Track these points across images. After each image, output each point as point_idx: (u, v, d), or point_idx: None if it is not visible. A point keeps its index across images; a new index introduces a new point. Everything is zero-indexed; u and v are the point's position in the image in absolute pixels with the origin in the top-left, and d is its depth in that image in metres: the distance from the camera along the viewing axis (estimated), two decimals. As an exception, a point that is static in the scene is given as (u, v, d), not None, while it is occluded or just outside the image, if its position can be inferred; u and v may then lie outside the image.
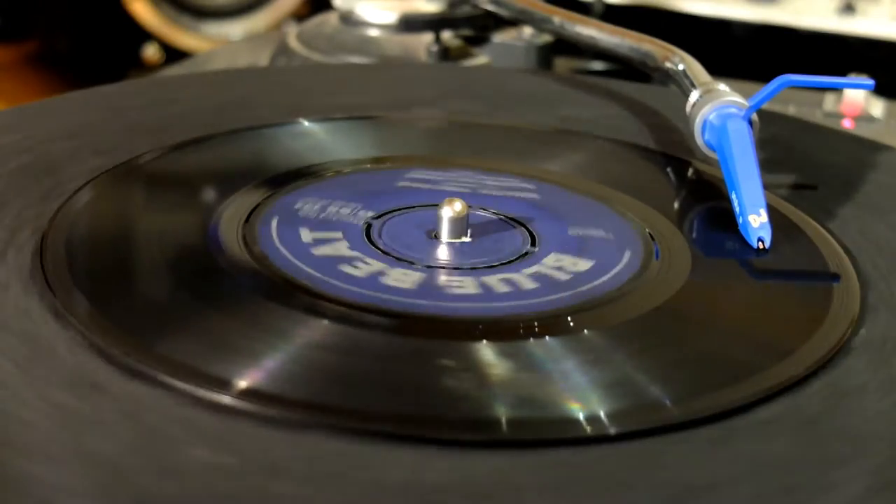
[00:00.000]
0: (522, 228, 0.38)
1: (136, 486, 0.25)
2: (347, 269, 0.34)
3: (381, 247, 0.36)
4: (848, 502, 0.26)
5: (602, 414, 0.28)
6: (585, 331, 0.32)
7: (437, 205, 0.37)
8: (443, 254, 0.36)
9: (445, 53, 0.62)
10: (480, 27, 0.65)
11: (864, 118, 0.58)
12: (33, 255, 0.33)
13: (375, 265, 0.35)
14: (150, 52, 0.96)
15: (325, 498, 0.25)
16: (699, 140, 0.43)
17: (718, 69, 0.49)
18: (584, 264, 0.36)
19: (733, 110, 0.41)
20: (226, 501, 0.24)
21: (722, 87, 0.43)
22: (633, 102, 0.51)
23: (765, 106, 0.41)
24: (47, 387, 0.28)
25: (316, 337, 0.31)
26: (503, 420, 0.28)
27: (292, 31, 0.66)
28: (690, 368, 0.31)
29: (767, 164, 0.43)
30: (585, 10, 0.70)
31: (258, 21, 0.97)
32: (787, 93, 0.42)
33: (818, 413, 0.29)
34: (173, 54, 0.94)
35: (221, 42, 0.94)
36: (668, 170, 0.44)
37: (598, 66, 0.69)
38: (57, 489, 0.24)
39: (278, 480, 0.25)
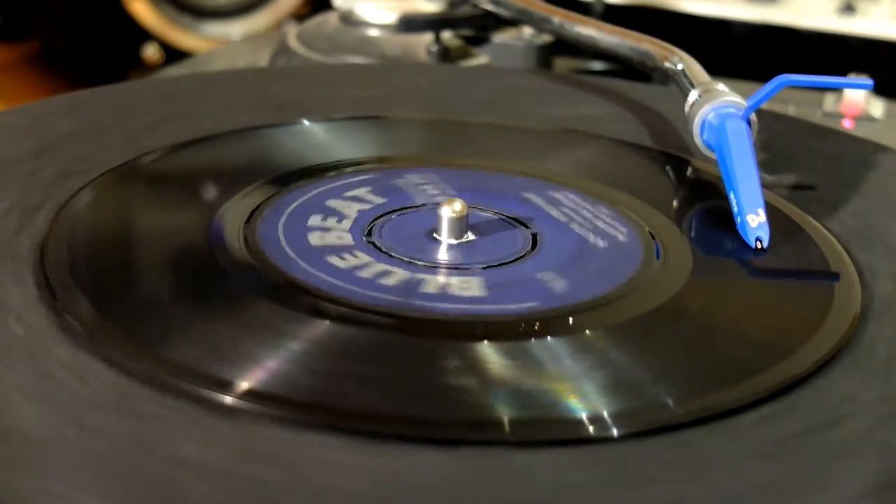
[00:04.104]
0: (523, 228, 0.38)
1: (139, 486, 0.25)
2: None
3: (382, 247, 0.36)
4: (849, 501, 0.26)
5: (603, 414, 0.28)
6: (587, 331, 0.32)
7: (436, 205, 0.37)
8: (443, 254, 0.36)
9: (445, 53, 0.62)
10: (480, 27, 0.65)
11: (864, 118, 0.59)
12: (34, 256, 0.34)
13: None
14: (150, 52, 0.96)
15: (325, 498, 0.25)
16: (698, 140, 0.43)
17: (718, 69, 0.49)
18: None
19: (732, 110, 0.42)
20: (227, 502, 0.25)
21: (721, 86, 0.43)
22: (633, 102, 0.51)
23: (764, 106, 0.42)
24: (49, 388, 0.28)
25: (317, 337, 0.31)
26: (504, 421, 0.28)
27: (292, 31, 0.66)
28: (692, 368, 0.31)
29: (766, 165, 0.43)
30: (585, 10, 0.70)
31: (258, 21, 0.98)
32: (787, 93, 0.42)
33: (820, 413, 0.29)
34: (173, 54, 0.94)
35: (221, 42, 0.94)
36: (668, 169, 0.45)
37: (598, 66, 0.69)
38: (59, 488, 0.24)
39: (279, 481, 0.25)
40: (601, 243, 0.37)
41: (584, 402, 0.29)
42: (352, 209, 0.38)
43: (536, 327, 0.32)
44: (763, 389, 0.29)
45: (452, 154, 0.45)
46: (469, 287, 0.34)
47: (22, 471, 0.25)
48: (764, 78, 0.41)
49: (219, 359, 0.29)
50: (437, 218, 0.36)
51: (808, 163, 0.46)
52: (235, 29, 0.97)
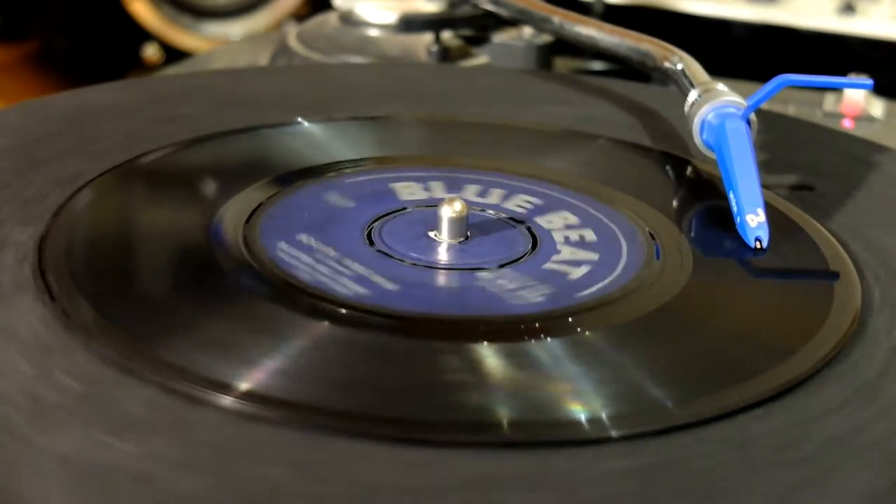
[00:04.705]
0: (523, 228, 0.38)
1: (137, 486, 0.25)
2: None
3: (382, 247, 0.36)
4: (852, 502, 0.26)
5: (603, 415, 0.28)
6: (587, 332, 0.32)
7: (436, 205, 0.37)
8: (443, 254, 0.36)
9: (445, 53, 0.62)
10: (480, 27, 0.65)
11: (864, 118, 0.59)
12: (33, 256, 0.33)
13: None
14: (150, 52, 0.96)
15: (325, 499, 0.25)
16: (697, 140, 0.43)
17: (718, 69, 0.49)
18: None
19: (731, 110, 0.41)
20: (226, 502, 0.25)
21: (720, 86, 0.43)
22: (633, 102, 0.51)
23: (764, 106, 0.42)
24: (47, 387, 0.28)
25: (317, 338, 0.31)
26: (503, 421, 0.28)
27: (292, 31, 0.66)
28: (692, 369, 0.31)
29: (766, 165, 0.43)
30: (585, 10, 0.70)
31: (258, 21, 0.98)
32: (787, 93, 0.42)
33: (820, 413, 0.29)
34: (173, 54, 0.94)
35: (221, 42, 0.94)
36: (668, 169, 0.45)
37: (598, 66, 0.69)
38: (57, 488, 0.24)
39: (278, 482, 0.25)
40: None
41: (583, 403, 0.29)
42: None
43: (536, 328, 0.32)
44: (763, 390, 0.29)
45: (452, 154, 0.45)
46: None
47: (21, 470, 0.25)
48: (764, 78, 0.41)
49: (218, 359, 0.29)
50: (437, 218, 0.36)
51: (808, 163, 0.46)
52: (235, 29, 0.97)
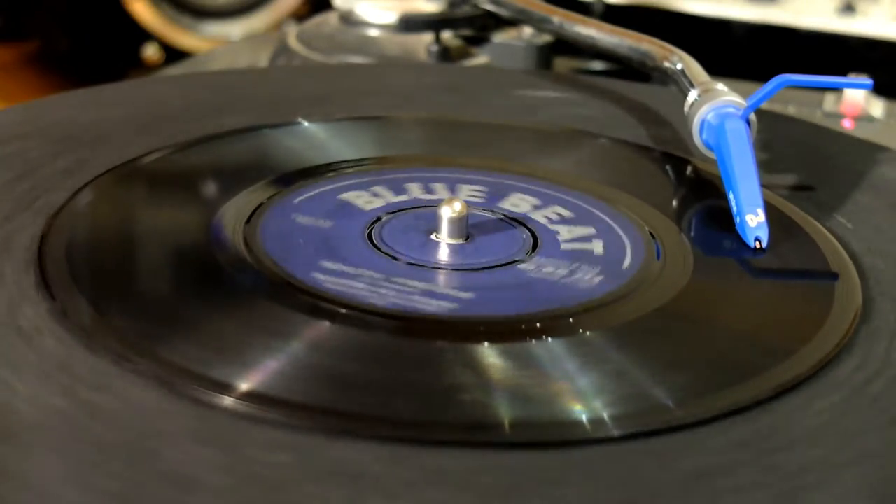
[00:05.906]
0: (523, 228, 0.38)
1: (137, 486, 0.25)
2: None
3: (382, 247, 0.36)
4: (851, 502, 0.26)
5: (604, 415, 0.28)
6: (588, 332, 0.32)
7: (436, 205, 0.37)
8: (443, 254, 0.36)
9: (445, 53, 0.62)
10: (480, 27, 0.65)
11: (864, 118, 0.59)
12: (33, 256, 0.33)
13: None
14: (150, 52, 0.96)
15: (325, 499, 0.25)
16: (697, 140, 0.43)
17: (718, 69, 0.49)
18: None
19: (731, 110, 0.42)
20: (226, 501, 0.25)
21: (720, 86, 0.43)
22: (633, 102, 0.51)
23: (764, 106, 0.42)
24: (48, 389, 0.28)
25: (318, 338, 0.31)
26: (505, 422, 0.28)
27: (292, 31, 0.66)
28: (692, 369, 0.31)
29: (766, 165, 0.43)
30: (585, 10, 0.70)
31: (258, 21, 0.97)
32: (787, 93, 0.42)
33: (821, 413, 0.29)
34: (173, 54, 0.94)
35: (221, 42, 0.94)
36: (668, 169, 0.45)
37: (598, 66, 0.69)
38: (57, 489, 0.24)
39: (280, 482, 0.25)
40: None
41: (584, 403, 0.29)
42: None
43: (537, 328, 0.32)
44: (764, 390, 0.29)
45: (452, 154, 0.45)
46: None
47: (21, 471, 0.25)
48: (764, 78, 0.41)
49: (218, 359, 0.29)
50: (437, 218, 0.36)
51: (808, 163, 0.46)
52: (235, 29, 0.97)
